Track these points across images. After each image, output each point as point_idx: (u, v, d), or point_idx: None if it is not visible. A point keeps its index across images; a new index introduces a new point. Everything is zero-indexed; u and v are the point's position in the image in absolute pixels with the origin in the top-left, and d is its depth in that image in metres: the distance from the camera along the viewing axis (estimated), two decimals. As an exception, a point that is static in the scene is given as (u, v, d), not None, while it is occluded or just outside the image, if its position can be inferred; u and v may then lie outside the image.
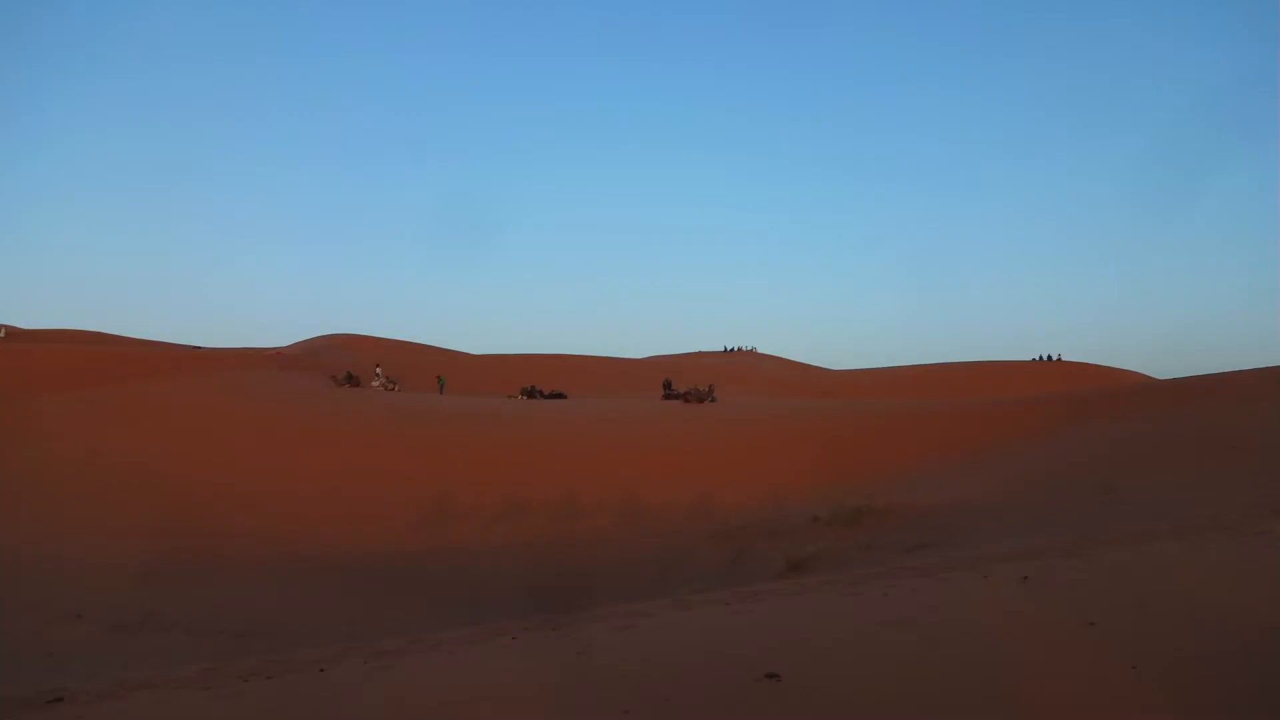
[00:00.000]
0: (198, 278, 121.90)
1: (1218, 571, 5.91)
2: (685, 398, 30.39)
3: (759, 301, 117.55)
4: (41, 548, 15.85)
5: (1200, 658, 4.04)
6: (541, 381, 38.14)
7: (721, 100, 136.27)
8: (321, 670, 5.94)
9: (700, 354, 69.10)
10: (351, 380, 34.68)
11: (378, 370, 36.45)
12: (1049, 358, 62.95)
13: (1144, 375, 58.17)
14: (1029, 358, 63.90)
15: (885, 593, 6.46)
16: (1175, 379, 26.08)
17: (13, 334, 51.37)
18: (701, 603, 7.34)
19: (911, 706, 3.85)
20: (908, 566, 8.44)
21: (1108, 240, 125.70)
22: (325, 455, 22.44)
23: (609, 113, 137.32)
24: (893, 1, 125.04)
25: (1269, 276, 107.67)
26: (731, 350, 70.86)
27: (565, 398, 34.91)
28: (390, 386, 35.30)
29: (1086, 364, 61.76)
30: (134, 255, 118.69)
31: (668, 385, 33.64)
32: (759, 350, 71.47)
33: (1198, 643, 4.27)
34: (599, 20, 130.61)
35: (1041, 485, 14.53)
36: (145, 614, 11.67)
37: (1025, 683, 3.95)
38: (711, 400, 30.13)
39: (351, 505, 19.15)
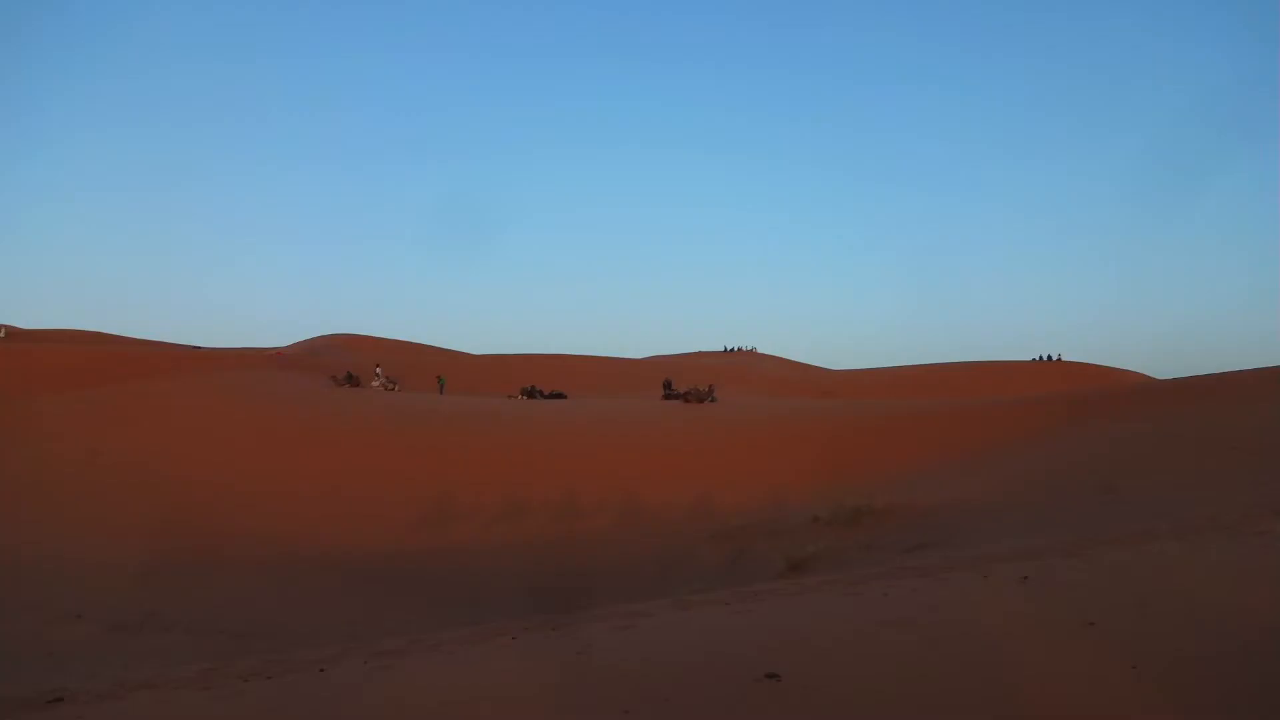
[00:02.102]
0: (198, 278, 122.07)
1: (1218, 571, 5.90)
2: (685, 398, 30.38)
3: (759, 301, 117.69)
4: (41, 548, 15.85)
5: (1200, 658, 4.03)
6: (541, 381, 38.15)
7: (721, 100, 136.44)
8: (321, 670, 5.94)
9: (700, 354, 69.12)
10: (351, 380, 34.68)
11: (378, 370, 36.45)
12: (1049, 358, 62.96)
13: (1144, 375, 58.19)
14: (1029, 358, 63.94)
15: (885, 593, 6.45)
16: (1175, 379, 26.08)
17: (13, 334, 51.38)
18: (701, 603, 7.34)
19: (911, 706, 3.85)
20: (908, 566, 8.43)
21: (1108, 240, 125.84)
22: (325, 455, 22.44)
23: (609, 113, 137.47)
24: (893, 1, 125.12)
25: (1269, 276, 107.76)
26: (731, 350, 70.87)
27: (565, 398, 34.91)
28: (390, 386, 35.31)
29: (1086, 364, 61.79)
30: (134, 255, 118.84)
31: (668, 385, 33.63)
32: (759, 350, 71.51)
33: (1198, 643, 4.27)
34: (599, 20, 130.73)
35: (1041, 485, 14.52)
36: (145, 614, 11.67)
37: (1025, 683, 3.95)
38: (711, 400, 30.13)
39: (351, 505, 19.15)
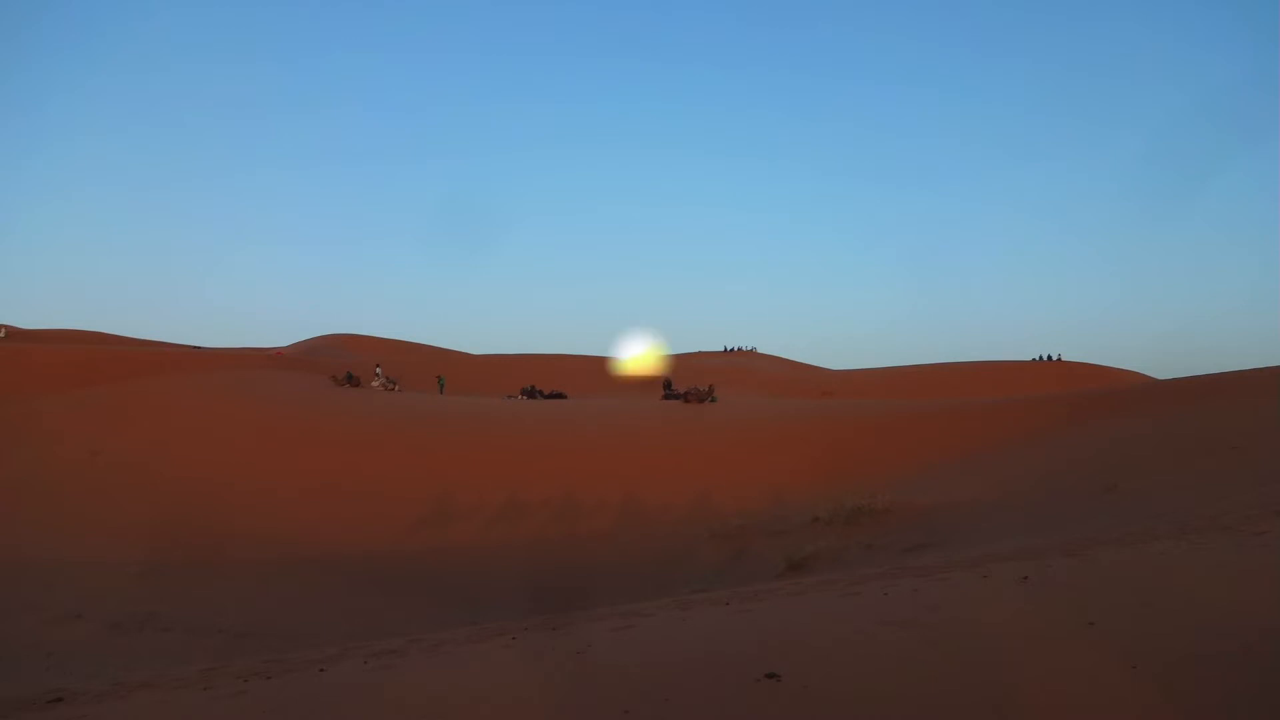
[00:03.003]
0: (198, 278, 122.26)
1: (1218, 571, 5.90)
2: (685, 398, 30.38)
3: (759, 301, 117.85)
4: (41, 548, 15.86)
5: (1200, 658, 4.03)
6: (541, 381, 38.17)
7: (721, 100, 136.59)
8: (321, 670, 5.94)
9: (700, 354, 69.13)
10: (351, 380, 34.70)
11: (378, 370, 36.45)
12: (1049, 358, 62.98)
13: (1144, 375, 58.21)
14: (1029, 358, 63.95)
15: (885, 593, 6.45)
16: (1175, 379, 26.06)
17: (13, 334, 51.40)
18: (701, 603, 7.34)
19: (911, 706, 3.84)
20: (908, 566, 8.43)
21: (1108, 240, 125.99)
22: (325, 455, 22.44)
23: (609, 113, 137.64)
24: (892, 1, 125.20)
25: (1269, 276, 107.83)
26: (731, 350, 70.88)
27: (565, 398, 34.91)
28: (390, 386, 35.31)
29: (1086, 364, 61.80)
30: (134, 255, 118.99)
31: (668, 385, 33.62)
32: (759, 350, 71.54)
33: (1198, 643, 4.26)
34: (599, 20, 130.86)
35: (1041, 485, 14.52)
36: (145, 614, 11.68)
37: (1025, 683, 3.94)
38: (711, 400, 30.13)
39: (351, 505, 19.15)
